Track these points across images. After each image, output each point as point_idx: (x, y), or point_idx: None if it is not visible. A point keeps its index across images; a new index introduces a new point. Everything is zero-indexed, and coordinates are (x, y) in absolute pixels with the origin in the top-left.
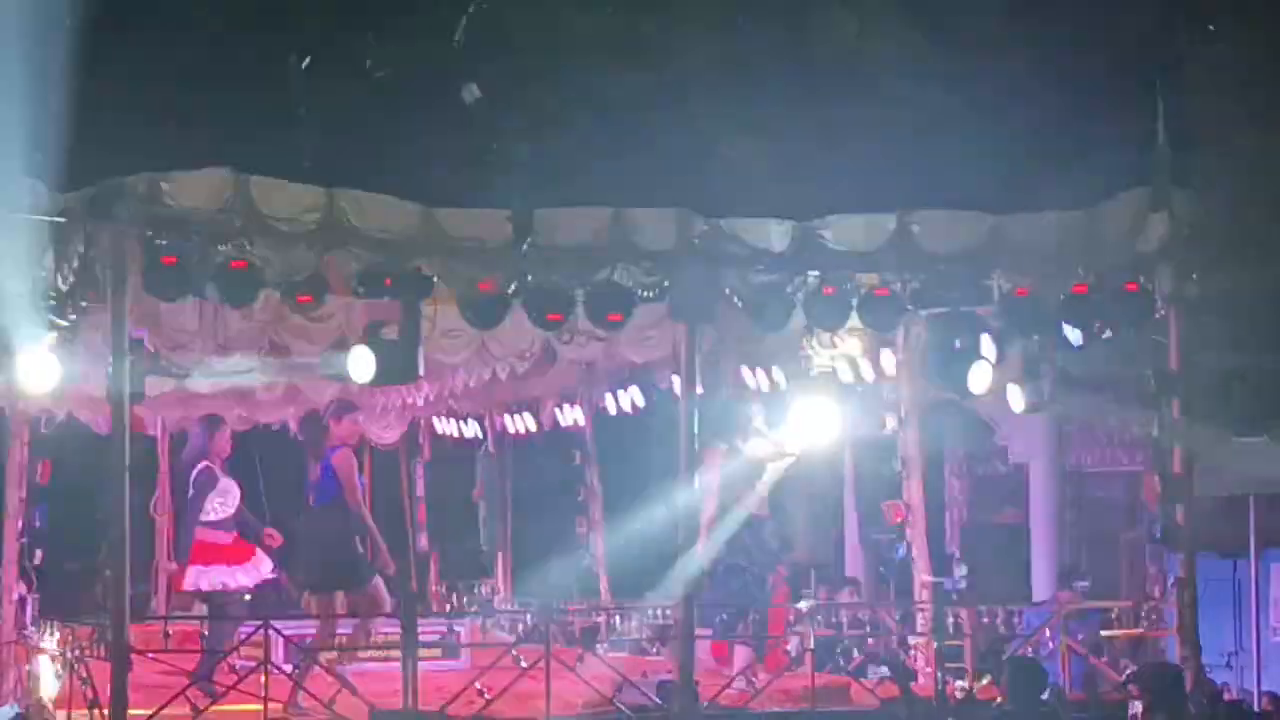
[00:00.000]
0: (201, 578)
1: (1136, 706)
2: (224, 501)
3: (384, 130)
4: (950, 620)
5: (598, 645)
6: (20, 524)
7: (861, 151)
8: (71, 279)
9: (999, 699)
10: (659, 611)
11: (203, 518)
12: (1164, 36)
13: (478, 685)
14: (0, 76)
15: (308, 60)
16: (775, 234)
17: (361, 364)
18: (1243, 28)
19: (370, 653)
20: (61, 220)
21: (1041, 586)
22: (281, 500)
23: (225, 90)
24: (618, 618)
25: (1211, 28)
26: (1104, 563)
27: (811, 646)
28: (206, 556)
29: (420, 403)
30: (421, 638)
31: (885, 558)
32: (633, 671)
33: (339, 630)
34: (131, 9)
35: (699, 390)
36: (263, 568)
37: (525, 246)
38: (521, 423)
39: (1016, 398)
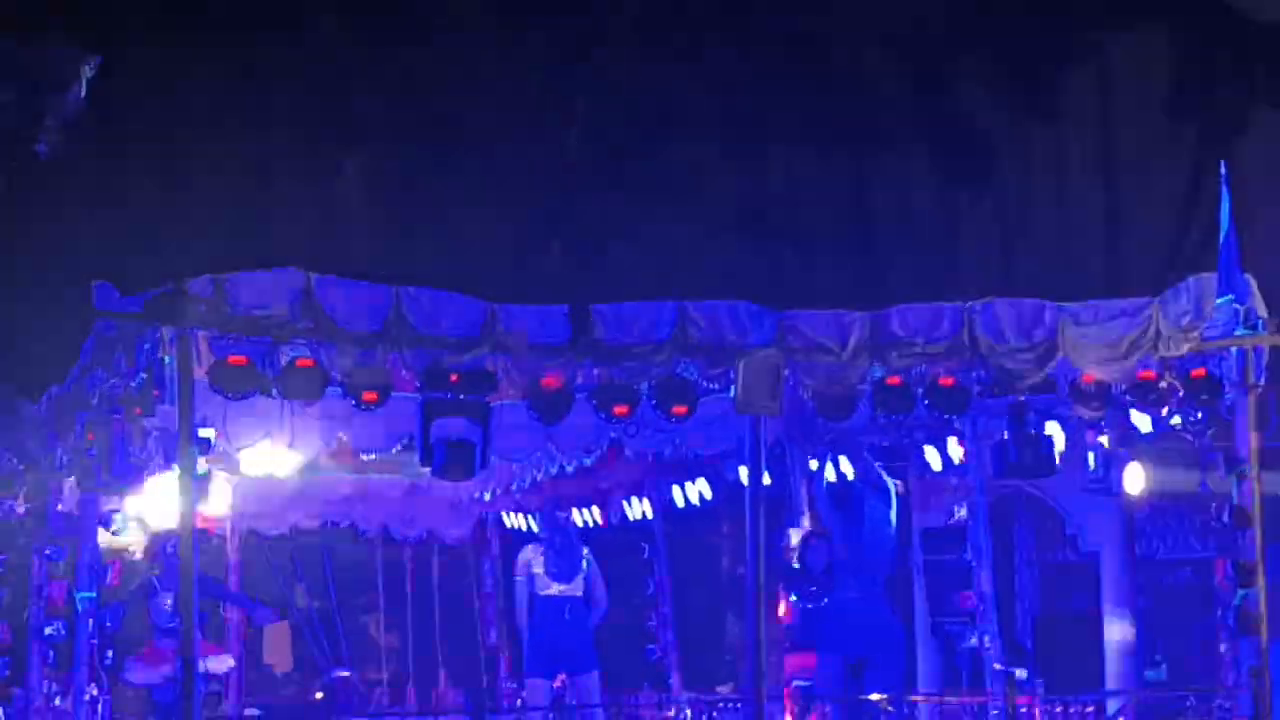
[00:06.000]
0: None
1: None
2: None
3: (447, 227)
4: (1023, 710)
5: None
6: (91, 625)
7: (925, 242)
8: (140, 379)
9: None
10: (732, 704)
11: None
12: (1226, 119)
13: None
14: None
15: (363, 160)
16: (841, 326)
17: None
18: None
19: None
20: (130, 321)
21: (1115, 675)
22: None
23: (290, 189)
24: (689, 710)
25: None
26: (1178, 651)
27: None
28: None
29: (487, 497)
30: None
31: (957, 648)
32: None
33: None
34: (194, 113)
35: (766, 481)
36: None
37: (582, 342)
38: (590, 516)
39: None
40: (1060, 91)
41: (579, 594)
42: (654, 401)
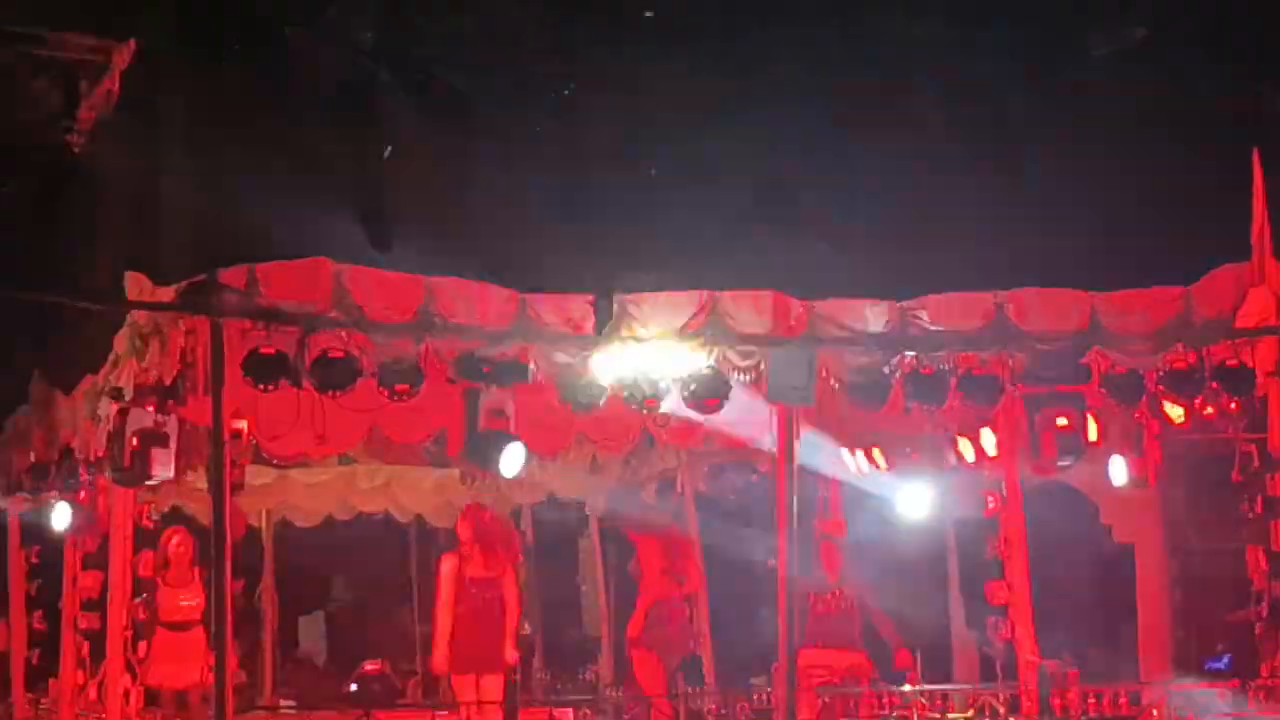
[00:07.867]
0: None
1: None
2: None
3: (479, 217)
4: (1057, 702)
5: None
6: (125, 616)
7: (958, 231)
8: (174, 370)
9: None
10: (765, 696)
11: None
12: (1260, 109)
13: None
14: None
15: (390, 150)
16: (872, 315)
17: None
18: None
19: None
20: (164, 312)
21: (1149, 666)
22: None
23: (321, 180)
24: (722, 698)
25: None
26: (1214, 642)
27: None
28: None
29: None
30: None
31: (990, 639)
32: None
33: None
34: (224, 103)
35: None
36: None
37: (606, 330)
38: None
39: (1120, 475)
40: (1093, 80)
41: (502, 591)
42: (685, 393)
